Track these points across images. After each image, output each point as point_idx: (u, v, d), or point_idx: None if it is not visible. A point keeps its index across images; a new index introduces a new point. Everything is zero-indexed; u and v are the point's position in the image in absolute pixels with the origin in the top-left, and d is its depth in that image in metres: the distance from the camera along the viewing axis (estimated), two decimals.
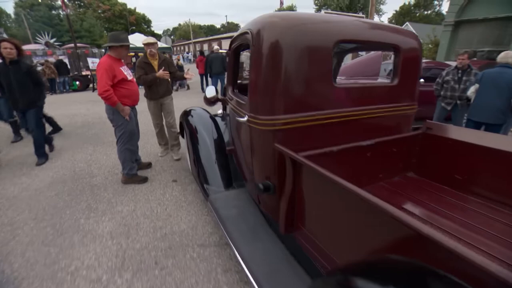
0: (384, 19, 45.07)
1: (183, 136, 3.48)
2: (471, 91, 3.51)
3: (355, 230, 1.11)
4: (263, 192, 1.57)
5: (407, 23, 34.11)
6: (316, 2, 41.82)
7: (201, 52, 10.93)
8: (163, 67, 3.32)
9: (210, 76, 8.18)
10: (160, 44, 12.42)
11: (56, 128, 5.05)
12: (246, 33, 1.60)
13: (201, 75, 9.83)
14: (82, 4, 40.74)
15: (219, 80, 7.94)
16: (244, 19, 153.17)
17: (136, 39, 11.61)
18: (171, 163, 3.65)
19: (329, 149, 1.55)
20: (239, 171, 2.36)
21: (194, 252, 2.07)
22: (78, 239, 2.19)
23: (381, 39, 1.67)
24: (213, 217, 2.31)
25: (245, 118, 1.59)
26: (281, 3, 21.80)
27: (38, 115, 3.57)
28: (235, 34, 2.02)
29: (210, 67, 7.89)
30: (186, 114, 3.17)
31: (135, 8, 44.31)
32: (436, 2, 44.83)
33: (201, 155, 2.68)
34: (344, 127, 1.66)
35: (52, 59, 10.70)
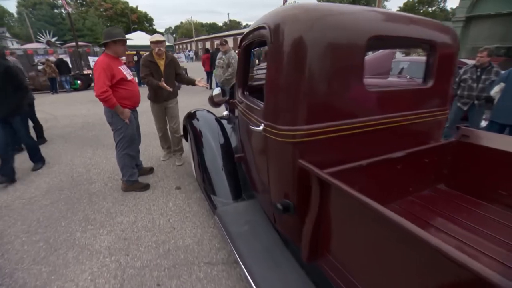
0: None
1: (186, 140, 3.28)
2: (495, 90, 3.26)
3: (391, 261, 0.92)
4: (282, 212, 1.36)
5: None
6: (320, 1, 41.44)
7: (207, 50, 10.92)
8: (165, 77, 3.10)
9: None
10: None
11: (41, 138, 4.49)
12: (261, 28, 1.38)
13: (207, 73, 9.84)
14: (84, 2, 40.62)
15: None
16: (247, 17, 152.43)
17: (138, 37, 11.43)
18: (174, 168, 3.45)
19: (359, 163, 1.34)
20: (249, 181, 2.15)
21: (200, 272, 1.87)
22: (73, 256, 2.00)
23: (417, 35, 1.45)
24: (220, 230, 2.11)
25: (261, 128, 1.38)
26: (285, 1, 21.47)
27: (23, 121, 3.30)
28: (246, 30, 1.80)
29: (213, 63, 7.96)
30: (190, 116, 2.96)
31: (137, 7, 44.14)
32: None
33: (206, 162, 2.47)
34: (373, 136, 1.44)
35: (52, 58, 10.53)
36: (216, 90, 3.14)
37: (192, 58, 31.39)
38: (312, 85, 1.21)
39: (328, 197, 1.18)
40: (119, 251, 2.05)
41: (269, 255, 1.63)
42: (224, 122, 2.97)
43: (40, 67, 10.67)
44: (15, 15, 47.92)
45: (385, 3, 42.64)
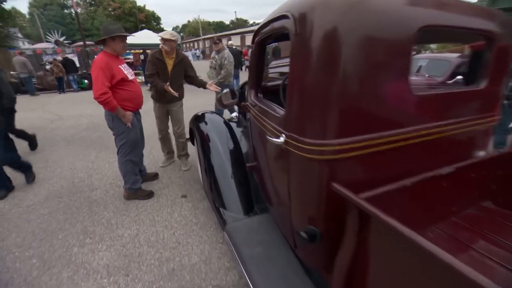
0: None
1: (193, 143, 3.07)
2: None
3: None
4: (308, 241, 1.12)
5: None
6: None
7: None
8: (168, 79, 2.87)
9: None
10: None
11: (32, 142, 4.10)
12: (283, 17, 1.14)
13: None
14: (93, 2, 40.99)
15: (234, 78, 7.95)
16: (253, 16, 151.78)
17: (145, 36, 11.30)
18: (179, 174, 3.25)
19: (402, 183, 1.09)
20: (263, 194, 1.92)
21: None
22: (68, 276, 1.81)
23: (475, 25, 1.18)
24: (230, 248, 1.90)
25: (281, 140, 1.14)
26: None
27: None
28: (261, 22, 1.56)
29: None
30: (197, 119, 2.75)
31: (144, 6, 44.29)
32: None
33: (214, 170, 2.26)
34: (417, 150, 1.19)
35: (59, 58, 10.51)
36: (225, 91, 2.91)
37: (198, 56, 31.25)
38: (347, 87, 0.97)
39: (369, 227, 0.94)
40: (119, 271, 1.85)
41: (286, 284, 1.40)
42: (233, 125, 2.75)
43: (48, 67, 10.67)
44: (27, 16, 48.95)
45: None
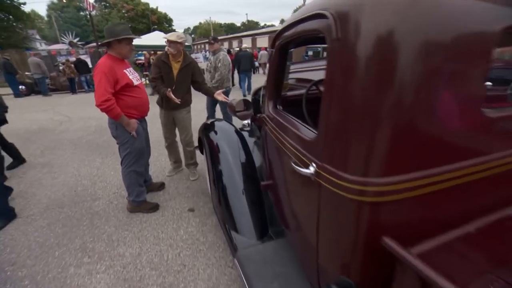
0: None
1: (202, 152, 2.87)
2: None
3: None
4: None
5: None
6: None
7: (229, 51, 11.10)
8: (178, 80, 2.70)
9: (238, 73, 8.69)
10: None
11: (17, 159, 3.55)
12: (317, 17, 0.91)
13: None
14: (107, 4, 41.89)
15: (246, 78, 8.46)
16: (264, 18, 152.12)
17: (157, 37, 11.26)
18: (187, 184, 3.06)
19: (465, 230, 0.84)
20: (279, 217, 1.70)
21: None
22: None
23: None
24: (241, 278, 1.68)
25: (311, 170, 0.92)
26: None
27: None
28: (285, 22, 1.34)
29: (238, 64, 8.25)
30: (207, 128, 2.55)
31: (157, 8, 44.90)
32: None
33: (225, 184, 2.04)
34: (485, 184, 0.94)
35: (72, 58, 10.60)
36: (239, 103, 2.72)
37: (207, 58, 31.24)
38: (405, 108, 0.74)
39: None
40: None
41: None
42: (246, 134, 2.54)
43: (61, 68, 10.78)
44: (45, 18, 50.58)
45: None
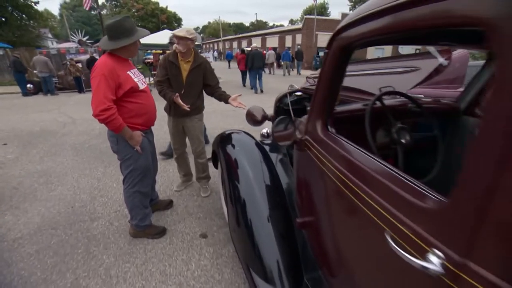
0: None
1: (216, 166, 2.49)
2: None
3: None
4: None
5: None
6: None
7: (242, 51, 11.72)
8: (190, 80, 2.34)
9: (250, 70, 9.46)
10: None
11: None
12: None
13: (242, 72, 10.73)
14: (117, 4, 42.16)
15: (257, 75, 9.23)
16: (273, 18, 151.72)
17: (165, 36, 10.95)
18: (198, 201, 2.68)
19: None
20: (320, 263, 1.30)
21: None
22: None
23: None
24: None
25: (435, 266, 0.50)
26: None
27: None
28: (355, 12, 0.92)
29: (251, 62, 9.11)
30: (222, 140, 2.16)
31: (166, 7, 44.92)
32: None
33: (246, 210, 1.65)
34: None
35: (81, 57, 10.40)
36: (257, 106, 2.33)
37: (215, 57, 30.92)
38: None
39: None
40: None
41: None
42: (267, 148, 2.14)
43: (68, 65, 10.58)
44: (58, 17, 51.49)
45: None
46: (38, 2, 25.57)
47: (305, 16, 20.92)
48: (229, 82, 12.16)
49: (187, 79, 2.34)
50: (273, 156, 2.05)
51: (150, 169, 1.99)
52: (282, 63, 15.73)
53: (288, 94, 2.35)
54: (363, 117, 1.20)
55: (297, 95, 2.33)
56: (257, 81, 9.32)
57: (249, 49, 10.69)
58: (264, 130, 2.60)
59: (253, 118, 2.41)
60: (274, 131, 1.45)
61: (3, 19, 23.46)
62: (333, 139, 1.06)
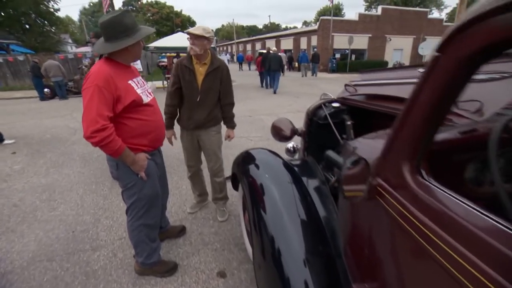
0: (447, 15, 39.99)
1: (235, 188, 2.12)
2: None
3: None
4: None
5: None
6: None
7: (261, 53, 12.06)
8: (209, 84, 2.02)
9: (268, 72, 10.02)
10: None
11: None
12: None
13: (260, 73, 11.34)
14: (134, 8, 43.11)
15: (275, 77, 9.71)
16: (287, 20, 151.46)
17: (180, 38, 10.81)
18: (214, 226, 2.31)
19: None
20: None
21: None
22: None
23: None
24: None
25: None
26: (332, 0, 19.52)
27: None
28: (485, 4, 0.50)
29: (269, 64, 9.55)
30: (244, 160, 1.80)
31: (181, 11, 45.50)
32: None
33: (277, 248, 1.28)
34: None
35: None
36: (285, 121, 1.96)
37: (228, 60, 30.72)
38: None
39: None
40: None
41: None
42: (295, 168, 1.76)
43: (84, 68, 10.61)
44: (78, 22, 53.56)
45: None
46: (59, 9, 26.57)
47: (321, 17, 20.32)
48: (246, 84, 12.48)
49: (203, 85, 1.99)
50: (305, 180, 1.67)
51: (158, 197, 1.64)
52: (301, 65, 16.02)
53: (323, 106, 1.94)
54: (475, 149, 0.78)
55: (334, 107, 1.92)
56: (274, 82, 9.80)
57: (264, 51, 11.27)
58: (290, 145, 2.21)
59: (279, 133, 2.02)
60: (345, 176, 1.01)
61: (27, 26, 24.47)
62: (429, 190, 0.66)
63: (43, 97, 9.86)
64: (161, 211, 1.83)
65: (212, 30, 2.03)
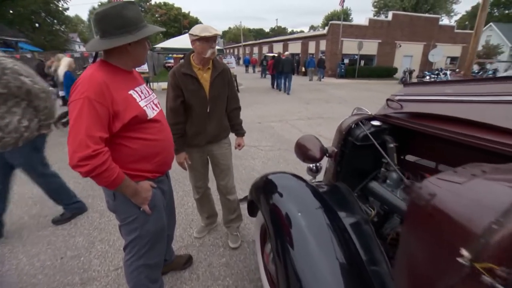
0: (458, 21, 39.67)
1: (250, 213, 1.79)
2: None
3: None
4: None
5: (490, 23, 28.71)
6: (375, 3, 37.99)
7: (273, 57, 13.10)
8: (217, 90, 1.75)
9: (280, 74, 11.08)
10: None
11: None
12: None
13: (272, 75, 12.27)
14: (142, 9, 43.37)
15: (287, 79, 10.71)
16: (294, 24, 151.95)
17: (187, 40, 10.60)
18: (225, 256, 1.99)
19: None
20: None
21: None
22: None
23: None
24: None
25: None
26: (342, 2, 19.16)
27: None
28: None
29: (282, 67, 10.61)
30: (265, 186, 1.51)
31: (189, 12, 45.62)
32: None
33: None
34: None
35: None
36: (312, 139, 1.69)
37: (235, 63, 30.64)
38: None
39: None
40: None
41: None
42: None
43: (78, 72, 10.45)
44: (87, 22, 54.31)
45: (453, 6, 37.67)
46: (68, 8, 26.83)
47: (330, 22, 19.99)
48: (253, 88, 12.58)
49: (211, 93, 1.71)
50: (340, 212, 1.36)
51: (164, 232, 1.32)
52: (308, 70, 16.69)
53: (360, 123, 1.62)
54: None
55: (374, 126, 1.60)
56: (286, 83, 10.80)
57: (271, 55, 12.82)
58: (311, 165, 1.90)
59: (306, 153, 1.66)
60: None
61: (37, 24, 24.68)
62: None
63: None
64: (166, 244, 1.51)
65: (220, 33, 1.78)
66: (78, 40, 46.11)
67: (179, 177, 3.17)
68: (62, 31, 28.07)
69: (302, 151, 1.74)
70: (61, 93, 5.62)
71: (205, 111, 1.72)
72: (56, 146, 4.28)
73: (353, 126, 1.64)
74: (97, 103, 0.93)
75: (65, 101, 5.80)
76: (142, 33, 1.05)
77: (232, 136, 1.96)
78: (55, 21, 26.72)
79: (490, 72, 18.43)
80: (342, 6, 19.71)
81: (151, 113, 1.12)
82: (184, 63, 1.68)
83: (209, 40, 1.56)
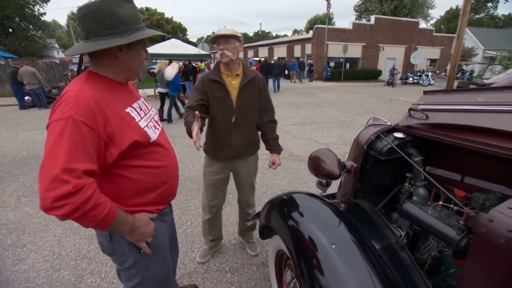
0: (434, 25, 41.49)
1: (263, 236, 1.61)
2: None
3: None
4: None
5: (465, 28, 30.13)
6: (357, 8, 39.06)
7: (259, 61, 15.22)
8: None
9: (270, 77, 12.41)
10: (197, 51, 11.02)
11: None
12: None
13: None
14: None
15: (277, 80, 12.37)
16: (276, 28, 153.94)
17: (172, 45, 10.33)
18: (233, 284, 1.78)
19: None
20: None
21: None
22: None
23: None
24: None
25: None
26: (328, 6, 19.36)
27: None
28: None
29: (272, 70, 12.28)
30: (282, 207, 1.35)
31: (172, 17, 45.00)
32: (490, 5, 40.77)
33: None
34: None
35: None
36: (328, 153, 1.56)
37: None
38: None
39: None
40: None
41: None
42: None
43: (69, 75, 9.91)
44: (65, 27, 52.42)
45: (430, 11, 39.38)
46: (45, 13, 25.76)
47: (315, 26, 20.22)
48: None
49: (239, 101, 1.55)
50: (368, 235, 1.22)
51: (170, 276, 1.11)
52: (290, 73, 17.89)
53: (382, 136, 1.49)
54: None
55: (398, 138, 1.47)
56: (276, 84, 12.41)
57: (257, 59, 14.18)
58: (323, 180, 1.75)
59: (324, 169, 1.45)
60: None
61: (10, 29, 23.48)
62: None
63: (23, 106, 9.07)
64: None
65: (203, 37, 1.72)
66: (56, 46, 44.37)
67: (185, 185, 2.94)
68: (39, 37, 26.85)
69: (318, 166, 1.56)
70: (163, 90, 6.52)
71: (230, 120, 1.56)
72: (10, 176, 3.93)
73: (373, 139, 1.49)
74: (85, 126, 0.72)
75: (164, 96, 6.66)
76: (134, 36, 0.84)
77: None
78: (31, 26, 25.55)
79: (467, 73, 19.27)
80: (329, 11, 19.99)
81: (153, 135, 0.92)
82: (213, 69, 1.55)
83: (215, 41, 1.44)
